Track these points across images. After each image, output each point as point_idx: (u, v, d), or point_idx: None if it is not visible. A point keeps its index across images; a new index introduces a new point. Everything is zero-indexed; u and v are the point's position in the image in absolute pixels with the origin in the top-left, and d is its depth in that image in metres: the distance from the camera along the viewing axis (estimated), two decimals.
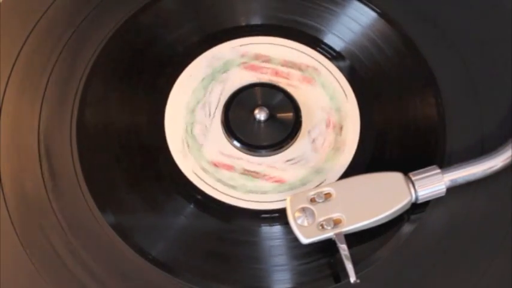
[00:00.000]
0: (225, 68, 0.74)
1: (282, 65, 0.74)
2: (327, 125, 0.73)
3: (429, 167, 0.66)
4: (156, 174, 0.70)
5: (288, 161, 0.71)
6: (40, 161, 0.69)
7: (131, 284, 0.65)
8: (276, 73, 0.74)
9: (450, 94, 0.72)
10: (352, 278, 0.63)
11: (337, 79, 0.74)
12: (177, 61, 0.74)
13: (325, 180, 0.70)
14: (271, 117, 0.71)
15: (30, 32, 0.74)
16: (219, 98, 0.73)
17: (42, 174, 0.68)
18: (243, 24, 0.77)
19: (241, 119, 0.71)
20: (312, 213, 0.65)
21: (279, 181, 0.70)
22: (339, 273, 0.65)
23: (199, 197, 0.69)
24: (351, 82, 0.74)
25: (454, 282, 0.65)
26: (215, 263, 0.66)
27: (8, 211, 0.67)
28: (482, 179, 0.67)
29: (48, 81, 0.72)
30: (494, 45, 0.74)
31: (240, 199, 0.69)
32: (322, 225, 0.64)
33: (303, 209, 0.65)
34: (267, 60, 0.75)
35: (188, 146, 0.71)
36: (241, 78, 0.74)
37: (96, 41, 0.74)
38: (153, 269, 0.65)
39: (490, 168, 0.67)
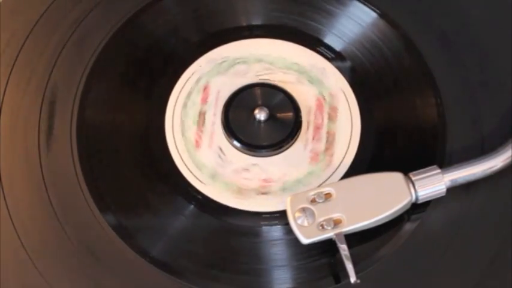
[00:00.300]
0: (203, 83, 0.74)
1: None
2: (318, 106, 0.73)
3: (429, 167, 0.66)
4: (156, 174, 0.70)
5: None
6: (40, 161, 0.69)
7: (131, 284, 0.65)
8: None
9: (450, 94, 0.72)
10: (352, 278, 0.63)
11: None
12: (177, 61, 0.74)
13: (325, 180, 0.70)
14: (271, 117, 0.71)
15: (30, 32, 0.74)
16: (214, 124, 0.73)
17: (42, 174, 0.68)
18: (244, 24, 0.77)
19: (241, 119, 0.71)
20: (312, 214, 0.65)
21: (315, 159, 0.71)
22: (339, 273, 0.65)
23: (199, 197, 0.69)
24: (351, 82, 0.74)
25: (454, 282, 0.65)
26: (215, 263, 0.66)
27: (8, 211, 0.67)
28: (482, 179, 0.67)
29: (48, 81, 0.72)
30: (494, 46, 0.74)
31: (240, 199, 0.69)
32: (322, 226, 0.64)
33: (303, 209, 0.65)
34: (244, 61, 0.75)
35: (188, 148, 0.71)
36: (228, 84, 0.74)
37: (96, 41, 0.74)
38: (153, 269, 0.65)
39: (490, 168, 0.67)
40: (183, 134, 0.71)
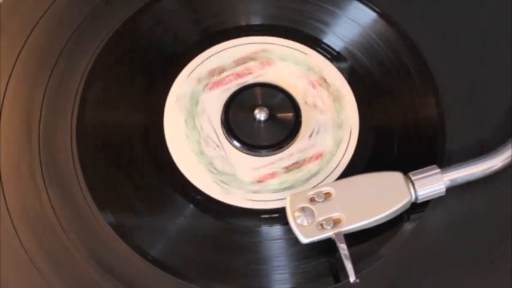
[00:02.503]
0: (195, 101, 0.73)
1: (237, 65, 0.74)
2: (313, 86, 0.73)
3: (429, 167, 0.66)
4: (156, 174, 0.70)
5: (310, 136, 0.71)
6: (40, 161, 0.69)
7: (131, 284, 0.65)
8: (238, 75, 0.74)
9: (450, 94, 0.72)
10: (352, 278, 0.63)
11: (290, 47, 0.75)
12: (177, 61, 0.74)
13: (325, 179, 0.70)
14: (271, 117, 0.71)
15: (30, 32, 0.74)
16: (213, 127, 0.72)
17: (42, 174, 0.68)
18: (243, 24, 0.77)
19: (241, 119, 0.71)
20: (312, 213, 0.65)
21: (319, 156, 0.71)
22: (339, 273, 0.65)
23: (199, 197, 0.69)
24: (350, 82, 0.74)
25: (454, 282, 0.65)
26: (215, 263, 0.66)
27: (8, 211, 0.67)
28: (482, 178, 0.67)
29: (48, 81, 0.72)
30: (494, 46, 0.74)
31: (240, 199, 0.69)
32: (321, 225, 0.64)
33: (303, 209, 0.65)
34: (221, 69, 0.74)
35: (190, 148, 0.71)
36: (215, 98, 0.73)
37: (96, 41, 0.74)
38: (153, 269, 0.65)
39: (490, 168, 0.67)
40: (188, 150, 0.71)
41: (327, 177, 0.70)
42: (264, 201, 0.69)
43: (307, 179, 0.70)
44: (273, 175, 0.70)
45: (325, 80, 0.74)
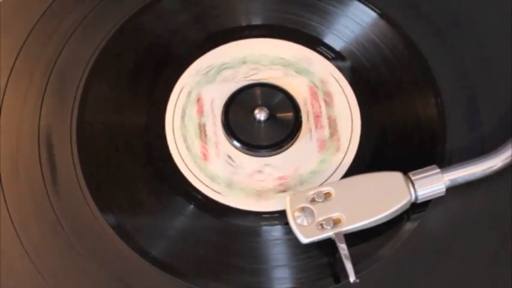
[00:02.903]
0: (194, 98, 0.74)
1: (240, 66, 0.75)
2: (311, 94, 0.73)
3: (429, 167, 0.66)
4: (156, 174, 0.70)
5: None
6: (40, 161, 0.69)
7: (131, 284, 0.65)
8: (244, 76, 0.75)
9: (450, 94, 0.72)
10: (352, 278, 0.63)
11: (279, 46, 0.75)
12: (177, 61, 0.74)
13: (338, 165, 0.70)
14: (271, 117, 0.71)
15: (30, 32, 0.74)
16: (215, 128, 0.72)
17: (42, 174, 0.69)
18: (244, 24, 0.77)
19: (241, 119, 0.71)
20: (312, 213, 0.65)
21: (323, 147, 0.71)
22: (339, 273, 0.65)
23: (199, 197, 0.69)
24: (351, 82, 0.74)
25: (454, 282, 0.65)
26: (215, 263, 0.66)
27: (8, 211, 0.67)
28: (482, 178, 0.67)
29: (48, 81, 0.72)
30: (494, 45, 0.74)
31: (261, 201, 0.69)
32: (321, 225, 0.64)
33: (303, 209, 0.65)
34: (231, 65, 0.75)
35: (197, 163, 0.71)
36: (216, 99, 0.73)
37: (96, 41, 0.74)
38: (153, 269, 0.65)
39: (490, 168, 0.67)
40: (188, 150, 0.71)
41: (340, 163, 0.70)
42: (267, 202, 0.69)
43: (313, 176, 0.70)
44: (277, 174, 0.70)
45: (330, 96, 0.74)
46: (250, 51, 0.75)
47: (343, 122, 0.72)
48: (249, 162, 0.71)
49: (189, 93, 0.73)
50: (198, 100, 0.73)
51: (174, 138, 0.71)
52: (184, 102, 0.73)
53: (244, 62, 0.75)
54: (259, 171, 0.70)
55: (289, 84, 0.73)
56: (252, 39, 0.76)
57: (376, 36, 0.75)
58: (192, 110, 0.73)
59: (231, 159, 0.71)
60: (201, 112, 0.73)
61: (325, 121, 0.72)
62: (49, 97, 0.72)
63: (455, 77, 0.73)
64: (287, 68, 0.74)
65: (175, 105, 0.73)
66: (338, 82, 0.74)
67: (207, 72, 0.74)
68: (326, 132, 0.72)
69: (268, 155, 0.71)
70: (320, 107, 0.73)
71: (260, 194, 0.69)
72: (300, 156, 0.71)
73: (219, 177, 0.70)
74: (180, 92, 0.73)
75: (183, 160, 0.70)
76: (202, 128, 0.72)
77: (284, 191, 0.69)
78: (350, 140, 0.71)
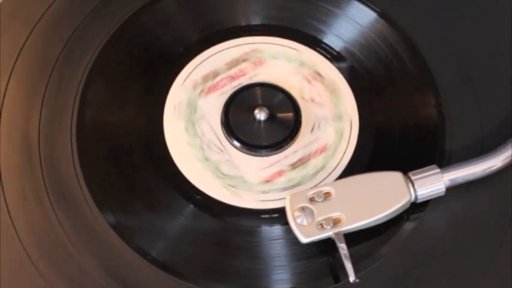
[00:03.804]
0: (193, 108, 0.73)
1: (230, 68, 0.74)
2: (308, 81, 0.73)
3: (428, 167, 0.66)
4: (156, 174, 0.70)
5: (311, 131, 0.72)
6: (40, 161, 0.69)
7: (131, 284, 0.65)
8: (232, 77, 0.74)
9: (450, 94, 0.72)
10: (352, 278, 0.63)
11: (280, 44, 0.75)
12: (176, 61, 0.74)
13: (325, 178, 0.70)
14: (271, 117, 0.71)
15: (30, 32, 0.74)
16: (215, 132, 0.72)
17: (42, 174, 0.69)
18: (243, 24, 0.77)
19: (241, 119, 0.71)
20: (311, 213, 0.65)
21: (323, 149, 0.71)
22: (339, 273, 0.65)
23: (199, 197, 0.69)
24: (350, 82, 0.74)
25: (454, 282, 0.65)
26: (215, 263, 0.66)
27: (8, 211, 0.67)
28: (482, 178, 0.67)
29: (48, 81, 0.72)
30: (494, 45, 0.74)
31: (240, 199, 0.69)
32: (321, 225, 0.64)
33: (302, 208, 0.65)
34: (215, 73, 0.74)
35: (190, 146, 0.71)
36: (213, 104, 0.73)
37: (96, 41, 0.74)
38: (153, 269, 0.65)
39: (490, 168, 0.67)
40: (206, 159, 0.71)
41: (331, 173, 0.70)
42: (274, 201, 0.69)
43: (314, 174, 0.70)
44: (280, 173, 0.70)
45: (319, 74, 0.74)
46: (236, 54, 0.76)
47: (341, 89, 0.73)
48: (253, 162, 0.71)
49: (189, 107, 0.73)
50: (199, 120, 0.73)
51: (174, 138, 0.71)
52: (185, 119, 0.73)
53: (225, 69, 0.75)
54: (264, 170, 0.70)
55: (278, 70, 0.74)
56: (251, 37, 0.76)
57: (376, 36, 0.75)
58: (196, 128, 0.73)
59: (233, 161, 0.71)
60: (202, 130, 0.73)
61: (322, 92, 0.73)
62: (49, 97, 0.72)
63: (455, 77, 0.73)
64: (273, 59, 0.75)
65: (175, 105, 0.73)
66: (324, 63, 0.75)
67: (194, 85, 0.74)
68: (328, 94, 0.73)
69: (269, 155, 0.71)
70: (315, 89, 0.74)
71: (265, 192, 0.69)
72: (305, 151, 0.71)
73: (224, 176, 0.70)
74: (174, 108, 0.73)
75: (186, 165, 0.70)
76: (209, 144, 0.72)
77: (290, 187, 0.70)
78: (351, 131, 0.72)
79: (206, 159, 0.71)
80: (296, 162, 0.71)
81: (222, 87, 0.74)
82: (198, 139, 0.71)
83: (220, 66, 0.75)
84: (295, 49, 0.75)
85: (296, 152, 0.71)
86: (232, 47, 0.75)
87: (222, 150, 0.71)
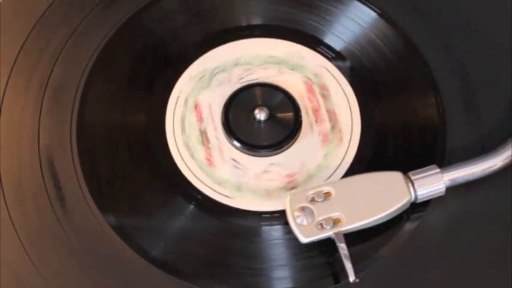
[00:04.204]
0: (193, 103, 0.73)
1: (236, 66, 0.75)
2: (308, 90, 0.74)
3: (428, 167, 0.66)
4: (156, 174, 0.70)
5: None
6: (40, 161, 0.69)
7: (131, 284, 0.65)
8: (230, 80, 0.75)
9: (450, 94, 0.72)
10: (351, 278, 0.63)
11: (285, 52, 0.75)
12: (177, 61, 0.74)
13: (343, 157, 0.70)
14: (271, 117, 0.71)
15: (30, 32, 0.74)
16: (215, 134, 0.72)
17: (42, 174, 0.69)
18: (244, 24, 0.77)
19: (241, 119, 0.71)
20: (311, 213, 0.65)
21: (326, 140, 0.72)
22: (339, 273, 0.65)
23: (199, 197, 0.69)
24: (351, 82, 0.74)
25: (454, 282, 0.65)
26: (215, 263, 0.66)
27: (8, 211, 0.67)
28: (482, 178, 0.67)
29: (48, 81, 0.72)
30: (494, 46, 0.74)
31: (272, 201, 0.69)
32: (321, 225, 0.64)
33: (302, 208, 0.65)
34: (223, 69, 0.75)
35: (203, 170, 0.71)
36: (215, 102, 0.73)
37: (96, 41, 0.74)
38: (153, 269, 0.65)
39: (490, 167, 0.67)
40: (192, 157, 0.71)
41: (345, 154, 0.70)
42: (275, 201, 0.69)
43: (317, 173, 0.70)
44: (282, 173, 0.70)
45: (326, 89, 0.74)
46: (242, 53, 0.75)
47: (343, 112, 0.72)
48: (255, 163, 0.71)
49: (186, 100, 0.73)
50: (196, 107, 0.73)
51: (175, 138, 0.71)
52: (183, 110, 0.73)
53: (236, 64, 0.75)
54: (266, 171, 0.70)
55: (284, 81, 0.73)
56: (251, 39, 0.76)
57: (376, 36, 0.75)
58: (191, 118, 0.72)
59: (237, 162, 0.71)
60: (200, 119, 0.73)
61: (324, 114, 0.72)
62: (49, 97, 0.72)
63: (455, 77, 0.73)
64: (280, 66, 0.74)
65: (174, 112, 0.73)
66: (332, 74, 0.74)
67: (200, 78, 0.74)
68: (327, 125, 0.72)
69: (269, 155, 0.71)
70: (318, 101, 0.73)
71: (270, 194, 0.69)
72: (305, 152, 0.71)
73: (228, 181, 0.70)
74: (177, 100, 0.73)
75: (202, 181, 0.70)
76: (204, 134, 0.72)
77: (294, 187, 0.69)
78: (351, 130, 0.72)
79: (207, 160, 0.71)
80: (299, 160, 0.71)
81: (226, 84, 0.74)
82: (199, 138, 0.72)
83: (226, 66, 0.75)
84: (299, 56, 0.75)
85: (297, 151, 0.71)
86: (232, 49, 0.76)
87: (239, 163, 0.71)
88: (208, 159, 0.71)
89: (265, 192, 0.69)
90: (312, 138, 0.71)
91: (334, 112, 0.72)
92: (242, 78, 0.74)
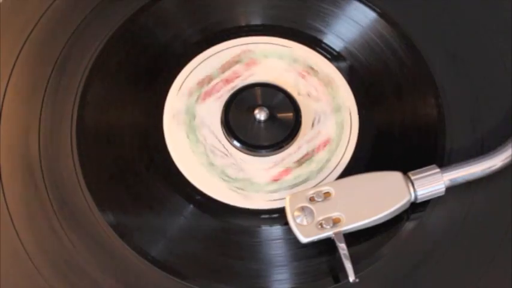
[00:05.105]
0: (191, 115, 0.73)
1: (224, 71, 0.74)
2: (302, 76, 0.74)
3: (428, 167, 0.66)
4: (156, 174, 0.70)
5: (312, 126, 0.72)
6: (40, 161, 0.69)
7: (131, 284, 0.65)
8: (226, 81, 0.74)
9: (450, 94, 0.72)
10: (351, 277, 0.63)
11: (271, 43, 0.76)
12: (176, 61, 0.74)
13: (325, 178, 0.70)
14: (271, 117, 0.71)
15: (30, 32, 0.74)
16: (217, 137, 0.72)
17: (42, 174, 0.69)
18: (243, 24, 0.77)
19: (241, 119, 0.71)
20: (311, 213, 0.65)
21: (327, 142, 0.71)
22: (339, 273, 0.65)
23: (199, 197, 0.69)
24: (350, 82, 0.74)
25: (454, 282, 0.65)
26: (215, 263, 0.66)
27: (8, 211, 0.67)
28: (482, 178, 0.67)
29: (48, 81, 0.72)
30: (494, 46, 0.74)
31: (240, 199, 0.69)
32: (321, 225, 0.64)
33: (302, 208, 0.65)
34: (209, 79, 0.74)
35: (191, 149, 0.71)
36: (210, 109, 0.73)
37: (96, 41, 0.74)
38: (153, 269, 0.65)
39: (490, 167, 0.67)
40: (211, 164, 0.71)
41: (331, 172, 0.70)
42: (281, 200, 0.69)
43: (321, 169, 0.70)
44: (287, 171, 0.70)
45: (312, 68, 0.74)
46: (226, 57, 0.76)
47: (337, 81, 0.73)
48: (257, 163, 0.71)
49: (188, 115, 0.73)
50: (198, 126, 0.73)
51: (174, 139, 0.71)
52: (186, 129, 0.73)
53: (219, 73, 0.75)
54: (269, 170, 0.71)
55: (270, 68, 0.74)
56: (252, 37, 0.76)
57: (376, 36, 0.75)
58: (197, 135, 0.72)
59: (239, 164, 0.71)
60: (204, 137, 0.72)
61: (317, 84, 0.73)
62: (49, 97, 0.72)
63: (455, 77, 0.73)
64: (267, 58, 0.75)
65: (176, 105, 0.73)
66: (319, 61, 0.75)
67: (190, 93, 0.74)
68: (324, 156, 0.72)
69: (269, 155, 0.71)
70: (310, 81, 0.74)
71: (274, 190, 0.69)
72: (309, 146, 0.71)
73: (230, 178, 0.70)
74: (174, 116, 0.73)
75: (191, 170, 0.70)
76: (211, 148, 0.72)
77: (296, 186, 0.70)
78: (350, 130, 0.72)
79: (211, 164, 0.71)
80: (301, 158, 0.71)
81: (218, 91, 0.74)
82: (201, 146, 0.71)
83: (213, 71, 0.75)
84: (285, 46, 0.75)
85: (300, 148, 0.71)
86: (229, 47, 0.76)
87: (226, 155, 0.71)
88: (223, 170, 0.71)
89: (269, 190, 0.69)
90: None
91: (327, 81, 0.73)
92: (233, 82, 0.74)
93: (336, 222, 0.64)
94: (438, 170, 0.66)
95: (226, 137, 0.71)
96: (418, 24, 0.75)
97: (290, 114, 0.71)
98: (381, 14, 0.76)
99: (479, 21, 0.76)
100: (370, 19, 0.76)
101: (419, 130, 0.71)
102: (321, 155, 0.71)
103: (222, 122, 0.71)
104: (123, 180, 0.69)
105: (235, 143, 0.70)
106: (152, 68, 0.74)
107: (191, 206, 0.69)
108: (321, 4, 0.76)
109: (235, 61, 0.75)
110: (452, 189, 0.67)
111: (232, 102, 0.72)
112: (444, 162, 0.69)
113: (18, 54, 0.73)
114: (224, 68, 0.75)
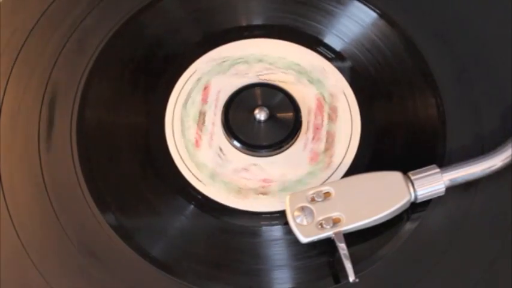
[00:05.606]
0: (193, 115, 0.73)
1: (225, 73, 0.75)
2: (317, 107, 0.73)
3: (428, 167, 0.66)
4: (156, 174, 0.70)
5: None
6: (40, 161, 0.69)
7: (131, 284, 0.65)
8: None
9: (450, 94, 0.72)
10: (351, 277, 0.63)
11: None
12: (177, 61, 0.74)
13: (324, 181, 0.70)
14: (271, 117, 0.71)
15: (30, 32, 0.74)
16: (216, 135, 0.72)
17: (42, 174, 0.69)
18: (244, 24, 0.77)
19: (241, 119, 0.71)
20: (311, 212, 0.65)
21: (314, 159, 0.71)
22: (339, 273, 0.65)
23: (199, 197, 0.69)
24: (351, 82, 0.74)
25: (454, 282, 0.65)
26: (215, 263, 0.66)
27: (8, 211, 0.67)
28: (482, 178, 0.67)
29: (48, 81, 0.72)
30: (494, 46, 0.74)
31: (239, 199, 0.69)
32: (321, 225, 0.64)
33: (302, 208, 0.65)
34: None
35: (187, 148, 0.71)
36: (213, 106, 0.73)
37: (96, 41, 0.74)
38: (153, 269, 0.65)
39: (490, 167, 0.67)
40: (182, 134, 0.71)
41: (327, 179, 0.70)
42: (244, 201, 0.69)
43: (319, 172, 0.70)
44: (282, 173, 0.70)
45: (335, 111, 0.74)
46: (268, 51, 0.75)
47: (341, 139, 0.72)
48: (238, 159, 0.71)
49: (199, 79, 0.73)
50: (205, 88, 0.73)
51: (174, 138, 0.71)
52: (192, 87, 0.73)
53: (260, 61, 0.75)
54: (245, 169, 0.70)
55: (299, 91, 0.73)
56: (255, 39, 0.76)
57: (376, 36, 0.75)
58: (197, 96, 0.73)
59: (222, 152, 0.71)
60: (205, 100, 0.73)
61: (323, 134, 0.72)
62: (49, 97, 0.72)
63: (455, 77, 0.73)
64: (301, 76, 0.74)
65: (175, 105, 0.73)
66: (347, 99, 0.73)
67: (221, 62, 0.74)
68: (321, 145, 0.72)
69: (268, 155, 0.71)
70: (322, 121, 0.73)
71: (240, 191, 0.69)
72: (290, 163, 0.71)
73: (205, 166, 0.70)
74: (190, 76, 0.73)
75: (183, 160, 0.70)
76: (201, 116, 0.72)
77: (264, 193, 0.69)
78: (344, 157, 0.71)
79: (195, 140, 0.71)
80: (281, 169, 0.71)
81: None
82: (195, 122, 0.72)
83: (243, 60, 0.75)
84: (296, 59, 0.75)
85: (283, 160, 0.71)
86: (231, 49, 0.76)
87: (223, 153, 0.71)
88: (196, 140, 0.71)
89: (236, 189, 0.69)
90: (303, 153, 0.71)
91: (333, 136, 0.72)
92: (260, 75, 0.74)
93: (336, 222, 0.64)
94: (438, 170, 0.66)
95: (226, 138, 0.71)
96: (418, 24, 0.75)
97: (290, 114, 0.71)
98: (381, 14, 0.76)
99: (479, 21, 0.76)
100: (370, 19, 0.76)
101: (419, 130, 0.71)
102: (322, 159, 0.71)
103: (222, 122, 0.71)
104: (123, 180, 0.69)
105: (235, 143, 0.70)
106: (152, 68, 0.74)
107: (191, 206, 0.69)
108: (321, 4, 0.76)
109: (237, 62, 0.75)
110: (452, 189, 0.67)
111: (232, 103, 0.72)
112: (444, 162, 0.68)
113: (18, 54, 0.73)
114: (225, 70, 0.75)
